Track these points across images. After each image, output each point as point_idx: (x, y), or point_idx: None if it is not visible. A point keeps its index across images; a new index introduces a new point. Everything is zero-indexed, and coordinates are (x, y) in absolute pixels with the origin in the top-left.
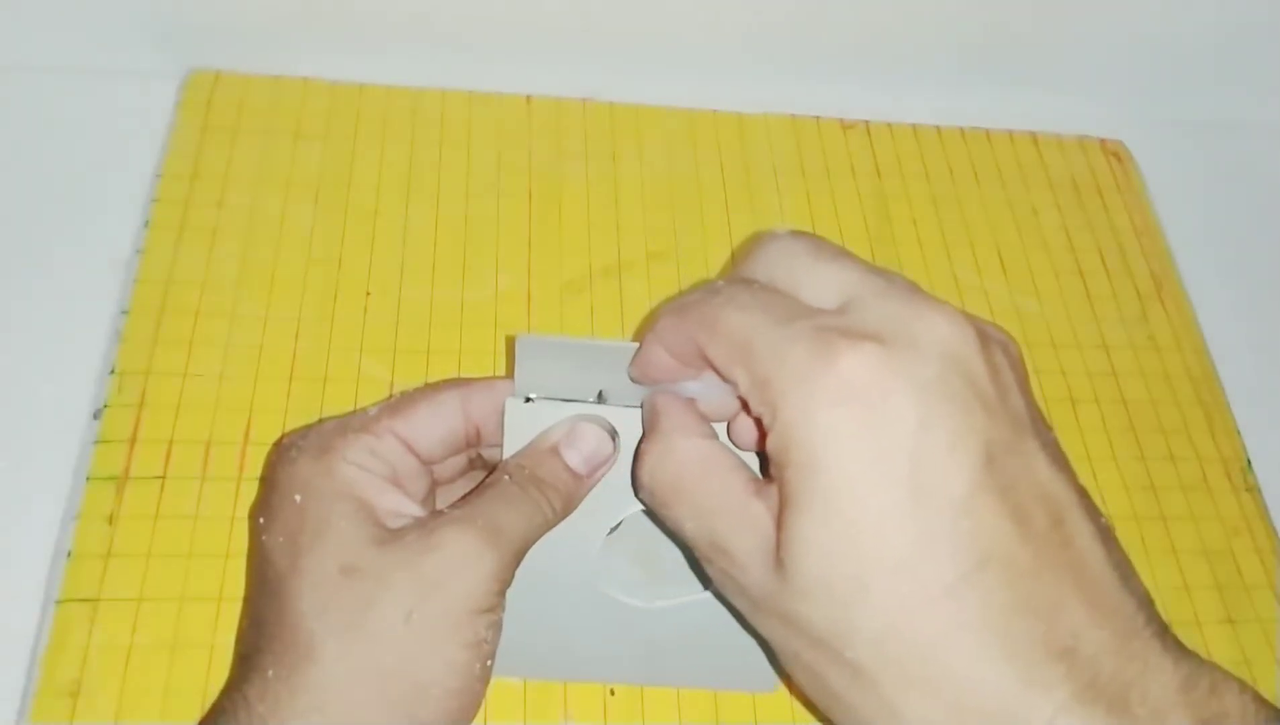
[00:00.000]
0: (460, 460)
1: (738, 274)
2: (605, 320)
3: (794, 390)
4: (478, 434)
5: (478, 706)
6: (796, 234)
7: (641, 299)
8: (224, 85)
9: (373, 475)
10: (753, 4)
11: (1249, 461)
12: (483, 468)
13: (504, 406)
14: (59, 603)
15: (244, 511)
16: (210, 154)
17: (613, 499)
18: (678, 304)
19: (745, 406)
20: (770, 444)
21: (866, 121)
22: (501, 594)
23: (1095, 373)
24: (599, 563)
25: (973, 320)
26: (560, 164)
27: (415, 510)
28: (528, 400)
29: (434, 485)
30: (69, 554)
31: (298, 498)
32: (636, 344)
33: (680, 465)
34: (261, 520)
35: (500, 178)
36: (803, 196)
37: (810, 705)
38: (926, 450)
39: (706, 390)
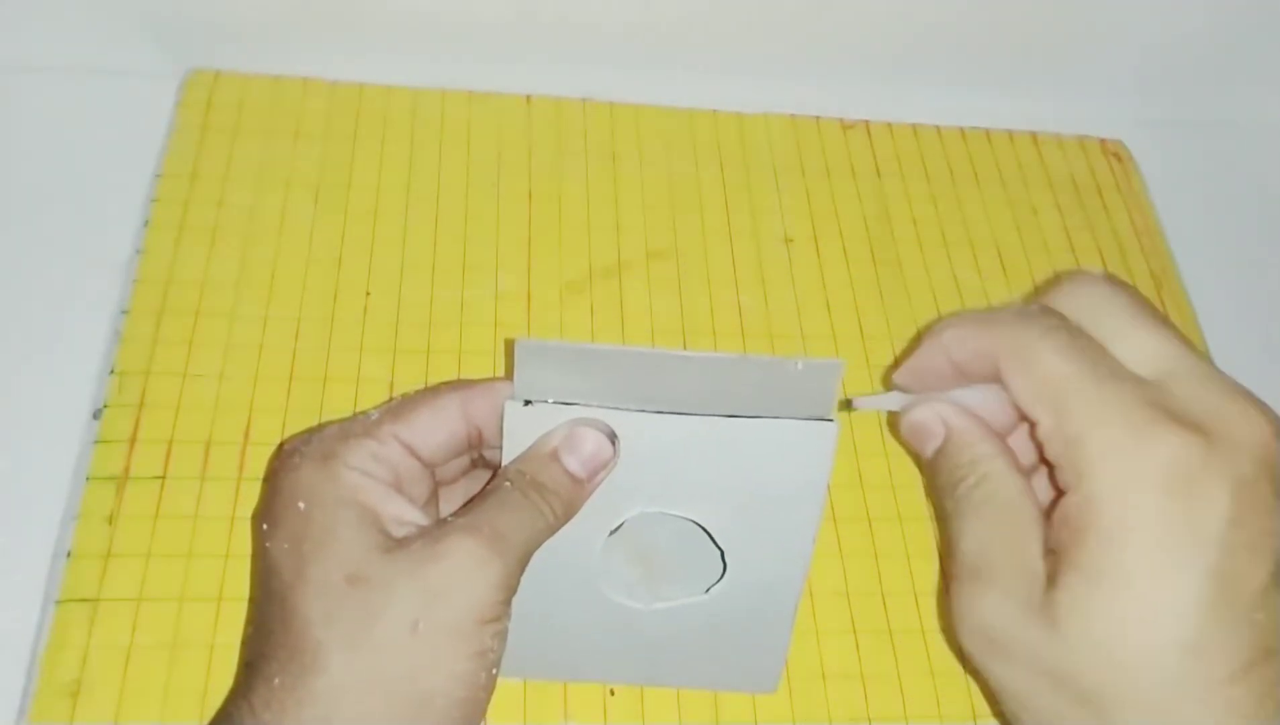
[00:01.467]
0: (462, 462)
1: (1045, 304)
2: (605, 320)
3: (1111, 461)
4: (479, 436)
5: (482, 715)
6: (1116, 284)
7: (641, 299)
8: (224, 85)
9: (376, 482)
10: (753, 3)
11: None
12: (485, 468)
13: (503, 410)
14: (59, 603)
15: (244, 511)
16: (210, 154)
17: (614, 501)
18: (980, 318)
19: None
20: (1070, 503)
21: (867, 121)
22: (507, 603)
23: None
24: (599, 564)
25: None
26: (560, 164)
27: (418, 517)
28: (526, 403)
29: (436, 488)
30: (69, 554)
31: (301, 504)
32: (637, 348)
33: (995, 493)
34: (265, 527)
35: (500, 178)
36: (803, 196)
37: None
38: (1233, 545)
39: (985, 403)
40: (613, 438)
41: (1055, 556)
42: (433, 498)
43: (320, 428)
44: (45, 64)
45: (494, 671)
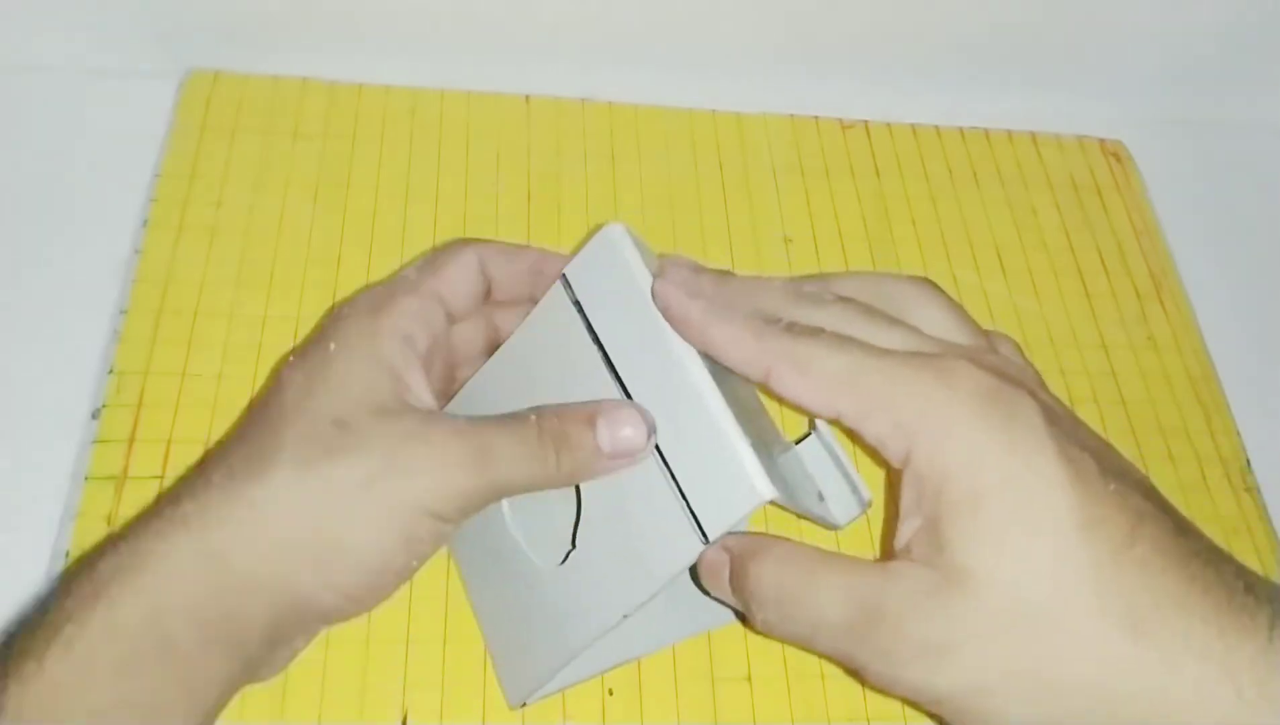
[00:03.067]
0: (479, 337)
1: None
2: None
3: (924, 421)
4: (489, 290)
5: (382, 598)
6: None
7: None
8: (223, 85)
9: (410, 350)
10: (752, 3)
11: (1248, 461)
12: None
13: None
14: None
15: None
16: (209, 154)
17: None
18: (743, 322)
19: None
20: (914, 477)
21: (866, 121)
22: (461, 512)
23: (1094, 373)
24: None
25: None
26: (559, 164)
27: (430, 400)
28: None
29: (453, 363)
30: (67, 554)
31: (332, 346)
32: None
33: (782, 573)
34: (291, 358)
35: (499, 178)
36: (801, 196)
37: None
38: (1068, 453)
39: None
40: (652, 430)
41: (927, 523)
42: (447, 375)
43: (368, 287)
44: (45, 64)
45: (413, 564)
